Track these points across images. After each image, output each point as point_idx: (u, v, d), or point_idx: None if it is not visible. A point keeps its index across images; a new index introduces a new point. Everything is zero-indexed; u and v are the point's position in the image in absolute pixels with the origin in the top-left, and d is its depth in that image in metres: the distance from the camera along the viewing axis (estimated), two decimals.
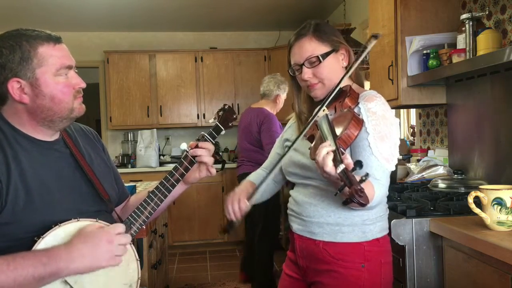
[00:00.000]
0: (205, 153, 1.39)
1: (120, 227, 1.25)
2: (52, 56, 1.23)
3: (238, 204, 1.47)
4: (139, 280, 1.29)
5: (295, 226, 1.54)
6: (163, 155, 5.51)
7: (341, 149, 1.14)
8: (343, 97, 1.38)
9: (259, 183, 1.51)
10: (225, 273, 4.27)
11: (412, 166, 2.68)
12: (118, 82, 5.30)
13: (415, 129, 3.18)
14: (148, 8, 4.68)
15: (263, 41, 5.83)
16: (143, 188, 2.96)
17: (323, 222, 1.44)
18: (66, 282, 1.16)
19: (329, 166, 1.12)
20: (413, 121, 3.33)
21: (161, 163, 5.26)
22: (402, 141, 3.19)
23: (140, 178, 4.69)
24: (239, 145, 3.78)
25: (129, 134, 5.50)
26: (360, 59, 1.37)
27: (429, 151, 2.85)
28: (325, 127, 1.20)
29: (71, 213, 1.23)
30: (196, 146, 1.39)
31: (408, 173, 2.71)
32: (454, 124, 2.55)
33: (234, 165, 5.06)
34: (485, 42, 1.94)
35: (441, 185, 2.23)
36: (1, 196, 1.16)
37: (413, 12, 2.47)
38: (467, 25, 2.07)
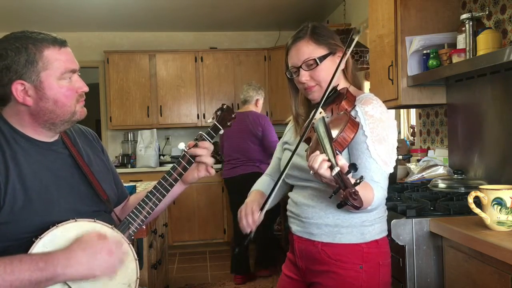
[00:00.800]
0: (205, 153, 1.39)
1: (120, 240, 1.25)
2: (57, 59, 1.23)
3: (252, 216, 1.46)
4: (138, 279, 1.29)
5: (294, 227, 1.54)
6: (163, 155, 5.51)
7: (337, 151, 1.15)
8: (340, 100, 1.39)
9: (270, 192, 1.45)
10: (225, 273, 4.27)
11: (412, 166, 2.68)
12: (118, 82, 5.30)
13: (415, 129, 3.18)
14: (148, 8, 4.68)
15: (263, 41, 5.83)
16: (143, 188, 2.96)
17: (322, 223, 1.44)
18: (64, 282, 1.16)
19: (324, 169, 1.14)
20: (413, 121, 3.33)
21: (161, 163, 5.27)
22: (402, 141, 3.18)
23: (140, 178, 4.70)
24: (237, 147, 3.93)
25: (129, 134, 5.50)
26: (348, 54, 1.37)
27: (429, 151, 2.85)
28: (321, 130, 1.21)
29: (70, 213, 1.23)
30: (195, 146, 1.39)
31: (408, 173, 2.71)
32: (454, 124, 2.55)
33: None
34: (485, 42, 1.94)
35: (441, 185, 2.23)
36: None
37: (413, 12, 2.47)
38: (467, 25, 2.07)
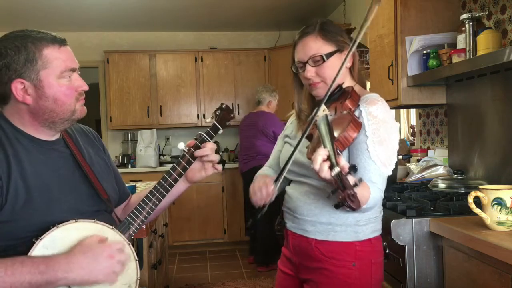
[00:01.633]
0: (210, 151, 1.39)
1: (121, 243, 1.24)
2: (57, 58, 1.23)
3: (266, 189, 1.43)
4: (138, 280, 1.29)
5: (289, 224, 1.55)
6: (163, 155, 5.51)
7: (338, 151, 1.14)
8: (344, 98, 1.38)
9: (282, 168, 1.43)
10: (225, 273, 4.27)
11: (412, 166, 2.68)
12: (118, 82, 5.30)
13: (415, 129, 3.18)
14: (148, 8, 4.68)
15: (263, 41, 5.83)
16: (143, 188, 2.96)
17: (316, 220, 1.45)
18: (65, 286, 1.15)
19: (325, 170, 1.13)
20: (413, 121, 3.33)
21: (161, 163, 5.27)
22: (402, 141, 3.18)
23: (140, 178, 4.70)
24: (249, 143, 4.34)
25: (129, 134, 5.50)
26: (361, 34, 1.31)
27: (429, 151, 2.85)
28: (323, 128, 1.20)
29: (71, 212, 1.23)
30: (196, 146, 1.39)
31: (408, 173, 2.71)
32: (454, 124, 2.55)
33: (234, 165, 5.07)
34: (485, 42, 1.94)
35: (441, 185, 2.23)
36: (1, 194, 1.16)
37: (413, 12, 2.47)
38: (467, 25, 2.07)
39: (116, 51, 5.37)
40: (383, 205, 1.68)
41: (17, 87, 1.21)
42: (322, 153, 1.15)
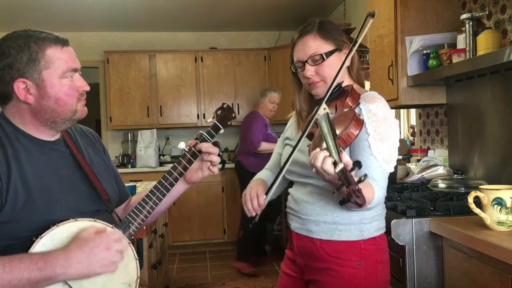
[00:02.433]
0: (215, 151, 1.40)
1: (117, 233, 1.24)
2: (59, 58, 1.23)
3: (257, 199, 1.44)
4: (138, 279, 1.29)
5: (293, 224, 1.54)
6: (163, 155, 5.51)
7: (340, 148, 1.14)
8: (345, 97, 1.38)
9: (274, 178, 1.43)
10: (225, 273, 4.27)
11: (412, 166, 2.68)
12: (118, 82, 5.30)
13: (415, 129, 3.18)
14: (148, 8, 4.68)
15: (263, 41, 5.83)
16: (143, 188, 2.96)
17: (320, 220, 1.44)
18: (64, 282, 1.16)
19: (328, 165, 1.12)
20: (413, 121, 3.33)
21: (161, 163, 5.26)
22: (402, 141, 3.19)
23: (140, 178, 4.70)
24: (240, 142, 4.57)
25: (129, 134, 5.50)
26: (358, 43, 1.34)
27: (429, 151, 2.85)
28: (325, 126, 1.20)
29: (71, 212, 1.23)
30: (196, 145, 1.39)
31: (408, 173, 2.71)
32: (454, 124, 2.55)
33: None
34: (485, 42, 1.94)
35: (441, 185, 2.23)
36: (1, 194, 1.16)
37: (413, 12, 2.47)
38: (467, 25, 2.07)
39: (116, 51, 5.37)
40: None
41: (19, 87, 1.21)
42: (322, 152, 1.15)
